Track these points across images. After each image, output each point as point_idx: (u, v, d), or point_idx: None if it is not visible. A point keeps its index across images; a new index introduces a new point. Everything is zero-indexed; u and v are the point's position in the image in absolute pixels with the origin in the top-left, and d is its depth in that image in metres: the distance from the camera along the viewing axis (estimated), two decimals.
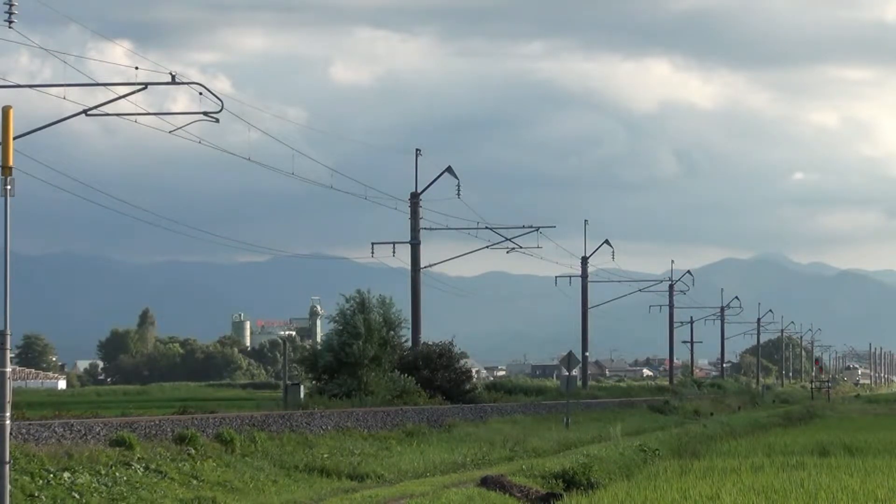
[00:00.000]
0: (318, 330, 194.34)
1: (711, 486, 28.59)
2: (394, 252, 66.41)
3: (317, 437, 40.59)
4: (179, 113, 42.13)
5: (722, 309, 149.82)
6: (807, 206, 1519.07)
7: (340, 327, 56.03)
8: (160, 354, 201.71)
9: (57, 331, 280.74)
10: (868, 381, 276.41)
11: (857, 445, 44.50)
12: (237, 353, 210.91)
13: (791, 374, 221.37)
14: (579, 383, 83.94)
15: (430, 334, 68.85)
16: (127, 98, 39.99)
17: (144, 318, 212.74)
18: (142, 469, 30.11)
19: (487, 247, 73.03)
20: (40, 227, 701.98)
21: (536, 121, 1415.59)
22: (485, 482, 31.70)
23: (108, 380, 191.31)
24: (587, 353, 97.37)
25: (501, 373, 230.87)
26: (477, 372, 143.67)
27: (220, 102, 40.09)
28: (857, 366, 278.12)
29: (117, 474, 29.00)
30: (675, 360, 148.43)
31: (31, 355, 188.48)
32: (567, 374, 63.63)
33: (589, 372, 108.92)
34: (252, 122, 46.49)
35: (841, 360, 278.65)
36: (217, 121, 40.50)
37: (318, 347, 61.39)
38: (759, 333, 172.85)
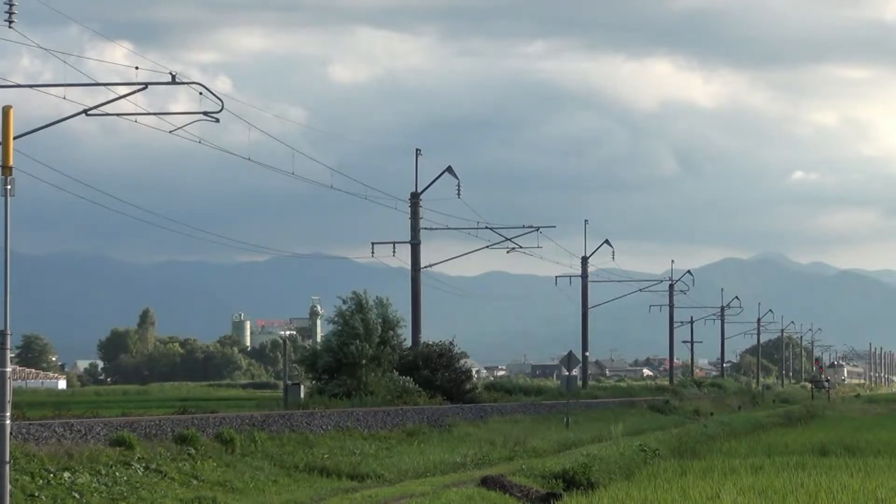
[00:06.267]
0: (318, 330, 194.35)
1: (711, 486, 28.60)
2: (394, 252, 66.42)
3: (317, 436, 40.60)
4: (179, 113, 42.11)
5: (722, 309, 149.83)
6: (807, 206, 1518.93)
7: (339, 328, 56.08)
8: (160, 354, 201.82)
9: (57, 331, 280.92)
10: (863, 381, 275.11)
11: (857, 445, 44.52)
12: (237, 353, 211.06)
13: (791, 374, 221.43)
14: (579, 383, 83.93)
15: (431, 334, 68.87)
16: (127, 98, 39.98)
17: (144, 318, 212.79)
18: (142, 469, 30.11)
19: (487, 247, 73.04)
20: (40, 227, 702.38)
21: (537, 121, 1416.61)
22: (485, 482, 31.71)
23: (108, 380, 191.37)
24: (587, 353, 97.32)
25: (502, 373, 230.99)
26: (477, 372, 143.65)
27: (220, 102, 40.07)
28: (844, 363, 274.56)
29: (117, 474, 29.01)
30: (675, 360, 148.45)
31: (31, 355, 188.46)
32: (567, 373, 63.65)
33: (589, 372, 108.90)
34: (252, 122, 46.51)
35: (838, 361, 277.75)
36: (217, 121, 40.48)
37: (318, 348, 61.43)
38: (759, 333, 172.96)
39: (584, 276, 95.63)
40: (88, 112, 40.12)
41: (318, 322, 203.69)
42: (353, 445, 40.45)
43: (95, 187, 47.89)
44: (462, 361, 65.44)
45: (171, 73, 39.33)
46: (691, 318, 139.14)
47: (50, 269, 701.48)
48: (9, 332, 21.98)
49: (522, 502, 30.46)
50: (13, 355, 23.31)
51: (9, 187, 22.35)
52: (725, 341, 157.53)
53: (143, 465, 30.43)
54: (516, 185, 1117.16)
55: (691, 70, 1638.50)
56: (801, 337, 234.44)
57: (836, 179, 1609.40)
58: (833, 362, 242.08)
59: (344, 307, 56.48)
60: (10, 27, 35.34)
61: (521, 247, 73.11)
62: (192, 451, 33.13)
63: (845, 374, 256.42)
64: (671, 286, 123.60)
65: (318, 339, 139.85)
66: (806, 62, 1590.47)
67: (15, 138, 22.59)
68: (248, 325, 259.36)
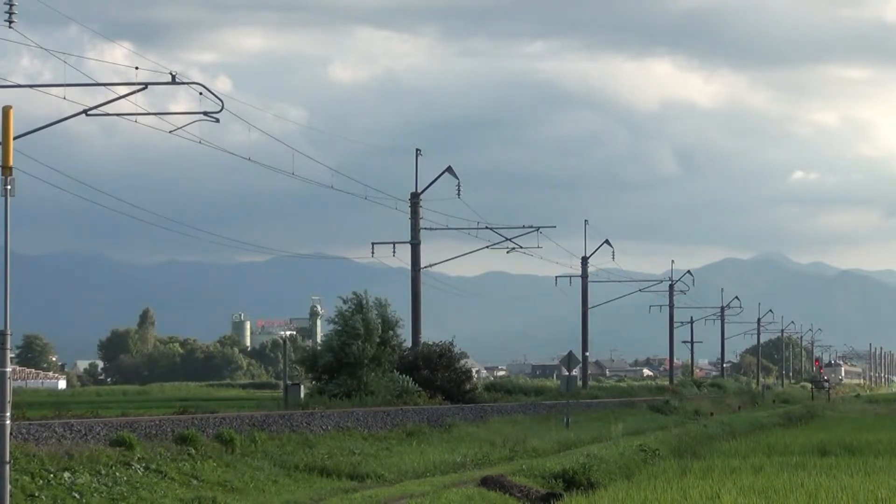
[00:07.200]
0: (319, 330, 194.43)
1: (711, 486, 28.59)
2: (394, 252, 66.42)
3: (317, 437, 40.60)
4: (179, 113, 42.10)
5: (722, 309, 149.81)
6: (807, 206, 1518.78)
7: (339, 328, 56.07)
8: (160, 354, 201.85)
9: (57, 331, 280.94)
10: (862, 380, 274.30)
11: (858, 445, 44.52)
12: (237, 353, 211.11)
13: (791, 374, 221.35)
14: (579, 383, 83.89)
15: (431, 334, 68.87)
16: (127, 98, 39.97)
17: (144, 318, 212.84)
18: (142, 469, 30.11)
19: (487, 247, 73.02)
20: (40, 227, 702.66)
21: (537, 121, 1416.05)
22: (485, 482, 31.70)
23: (108, 380, 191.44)
24: (587, 353, 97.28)
25: (501, 373, 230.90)
26: (477, 372, 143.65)
27: (220, 102, 40.06)
28: (842, 363, 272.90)
29: (117, 474, 29.00)
30: (675, 360, 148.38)
31: (31, 355, 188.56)
32: (567, 374, 63.62)
33: (589, 372, 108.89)
34: (252, 122, 46.49)
35: (835, 360, 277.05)
36: (217, 121, 40.47)
37: (318, 348, 61.42)
38: (759, 333, 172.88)
39: (584, 276, 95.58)
40: (88, 112, 40.10)
41: (319, 322, 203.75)
42: (353, 445, 40.45)
43: (95, 187, 47.92)
44: (462, 361, 65.44)
45: (171, 73, 39.32)
46: (691, 318, 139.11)
47: (50, 269, 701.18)
48: (9, 332, 21.97)
49: (522, 502, 30.44)
50: (13, 355, 23.30)
51: (9, 187, 22.34)
52: (725, 341, 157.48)
53: (143, 465, 30.42)
54: (516, 185, 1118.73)
55: (691, 70, 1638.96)
56: (801, 337, 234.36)
57: (836, 179, 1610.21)
58: (831, 361, 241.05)
59: (344, 307, 56.47)
60: (10, 27, 35.36)
61: (521, 247, 73.10)
62: (192, 451, 33.12)
63: (843, 374, 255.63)
64: (671, 286, 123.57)
65: (319, 340, 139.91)
66: (806, 62, 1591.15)
67: (15, 138, 22.58)
68: (248, 325, 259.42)
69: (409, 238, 65.91)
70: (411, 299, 65.55)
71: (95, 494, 27.07)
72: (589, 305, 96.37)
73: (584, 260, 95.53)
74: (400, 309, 59.67)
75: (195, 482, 30.65)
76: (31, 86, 44.28)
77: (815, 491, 27.12)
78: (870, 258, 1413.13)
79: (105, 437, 31.40)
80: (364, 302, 56.52)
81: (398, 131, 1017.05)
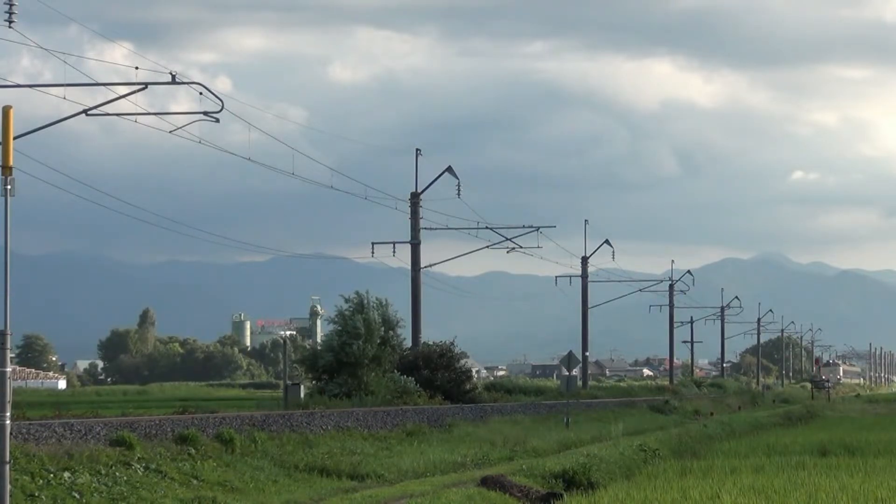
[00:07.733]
0: (319, 330, 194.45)
1: (711, 486, 28.61)
2: (394, 252, 66.46)
3: (317, 436, 40.61)
4: (179, 113, 42.12)
5: (722, 309, 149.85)
6: (807, 206, 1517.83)
7: (340, 328, 56.07)
8: (160, 354, 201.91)
9: (57, 331, 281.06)
10: (861, 380, 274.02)
11: (858, 445, 44.54)
12: (237, 353, 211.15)
13: (791, 374, 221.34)
14: (579, 383, 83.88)
15: (431, 334, 68.88)
16: (127, 98, 39.99)
17: (144, 318, 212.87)
18: (142, 469, 30.11)
19: (487, 247, 73.06)
20: (40, 227, 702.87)
21: (537, 121, 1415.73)
22: (485, 482, 31.70)
23: (108, 380, 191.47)
24: (587, 353, 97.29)
25: (502, 373, 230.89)
26: (477, 372, 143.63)
27: (220, 102, 40.07)
28: (840, 362, 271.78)
29: (117, 474, 29.01)
30: (675, 360, 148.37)
31: (31, 355, 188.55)
32: (567, 373, 63.62)
33: (589, 372, 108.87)
34: (252, 122, 46.51)
35: (833, 359, 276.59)
36: (217, 121, 40.49)
37: (319, 347, 61.42)
38: (759, 333, 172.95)
39: (584, 276, 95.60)
40: (88, 112, 40.11)
41: (318, 322, 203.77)
42: (353, 445, 40.46)
43: (95, 187, 47.93)
44: (462, 361, 65.43)
45: (171, 73, 39.33)
46: (691, 318, 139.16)
47: (50, 269, 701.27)
48: (9, 332, 21.96)
49: (522, 502, 30.44)
50: (13, 355, 23.30)
51: (9, 187, 22.33)
52: (725, 341, 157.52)
53: (143, 465, 30.43)
54: (516, 185, 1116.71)
55: (691, 70, 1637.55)
56: (801, 337, 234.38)
57: (836, 179, 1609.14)
58: (828, 361, 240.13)
59: (345, 307, 56.46)
60: (10, 27, 35.37)
61: (521, 247, 73.14)
62: (192, 451, 33.14)
63: (841, 373, 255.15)
64: (671, 286, 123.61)
65: (319, 339, 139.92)
66: (806, 62, 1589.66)
67: (15, 138, 22.57)
68: (248, 325, 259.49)
69: (409, 238, 65.93)
70: (411, 299, 65.57)
71: (95, 494, 27.07)
72: (589, 305, 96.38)
73: (584, 260, 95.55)
74: (400, 309, 59.70)
75: (195, 482, 30.66)
76: (31, 86, 44.36)
77: (814, 491, 27.13)
78: (870, 258, 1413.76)
79: (105, 437, 31.40)
80: (365, 301, 56.53)
81: (398, 131, 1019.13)
